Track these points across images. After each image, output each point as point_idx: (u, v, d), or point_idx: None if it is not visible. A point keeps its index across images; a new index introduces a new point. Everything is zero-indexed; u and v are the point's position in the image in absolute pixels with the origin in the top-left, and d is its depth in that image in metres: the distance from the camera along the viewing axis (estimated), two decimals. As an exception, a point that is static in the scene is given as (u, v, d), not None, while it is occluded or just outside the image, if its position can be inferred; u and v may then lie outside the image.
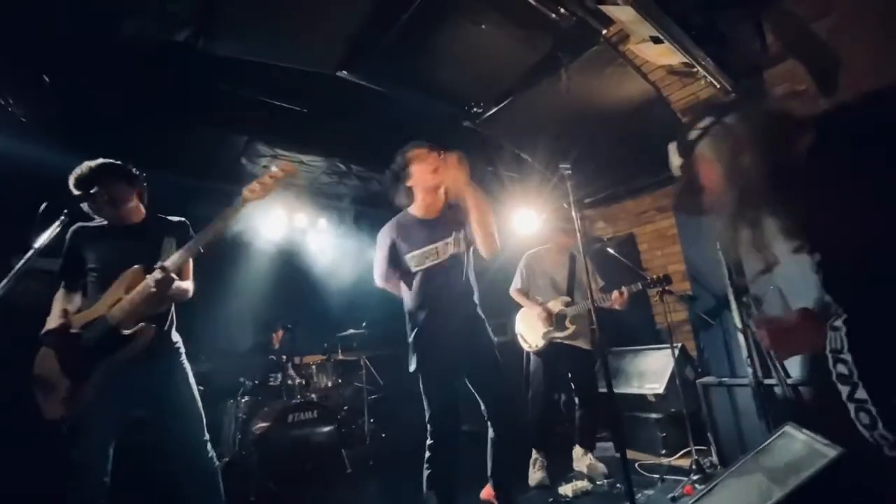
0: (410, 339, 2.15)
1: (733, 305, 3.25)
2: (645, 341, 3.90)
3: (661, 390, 3.45)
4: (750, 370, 3.09)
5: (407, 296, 2.18)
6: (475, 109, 3.24)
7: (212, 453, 2.02)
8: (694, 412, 3.22)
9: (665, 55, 2.57)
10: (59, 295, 1.97)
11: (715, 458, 3.11)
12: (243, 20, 2.29)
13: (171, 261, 1.85)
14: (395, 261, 2.18)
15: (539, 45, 2.65)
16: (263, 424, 3.47)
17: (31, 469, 2.70)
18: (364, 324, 4.75)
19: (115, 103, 2.82)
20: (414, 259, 2.12)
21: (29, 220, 1.69)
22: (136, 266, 1.88)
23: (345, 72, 2.64)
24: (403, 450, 4.38)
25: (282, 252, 4.82)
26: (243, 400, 3.80)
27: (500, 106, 3.21)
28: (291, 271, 4.91)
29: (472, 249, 2.17)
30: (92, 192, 1.90)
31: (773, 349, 1.05)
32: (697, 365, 3.68)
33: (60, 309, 1.87)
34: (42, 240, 1.62)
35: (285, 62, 2.55)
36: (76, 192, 1.90)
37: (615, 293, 3.01)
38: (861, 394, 0.75)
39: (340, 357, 4.65)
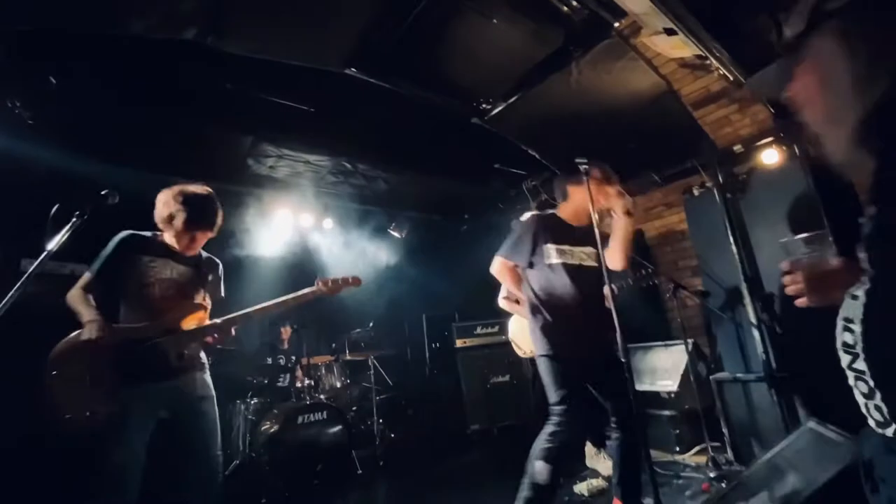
0: (545, 324, 2.22)
1: (747, 300, 3.22)
2: (657, 338, 3.87)
3: (674, 387, 3.42)
4: (764, 365, 3.07)
5: (540, 287, 2.26)
6: (484, 105, 3.20)
7: (220, 467, 2.08)
8: (708, 408, 3.19)
9: (678, 47, 2.53)
10: (82, 292, 1.95)
11: (730, 454, 3.09)
12: (251, 18, 2.26)
13: (233, 318, 2.08)
14: (532, 248, 2.27)
15: (550, 39, 2.61)
16: (273, 426, 3.44)
17: (42, 469, 2.70)
18: (371, 324, 4.73)
19: (122, 104, 2.79)
20: (557, 252, 2.24)
21: (39, 223, 1.66)
22: (198, 303, 2.07)
23: (353, 69, 2.60)
24: (413, 449, 4.39)
25: (288, 252, 4.80)
26: (252, 401, 3.78)
27: (508, 102, 3.17)
28: (298, 272, 4.88)
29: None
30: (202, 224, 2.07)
31: (806, 292, 0.97)
32: (710, 361, 3.64)
33: (94, 310, 1.89)
34: (54, 243, 1.59)
35: (293, 60, 2.51)
36: (191, 215, 2.02)
37: (605, 289, 2.97)
38: (860, 364, 0.74)
39: (348, 357, 4.63)
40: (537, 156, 3.89)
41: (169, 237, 2.09)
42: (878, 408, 0.73)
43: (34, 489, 2.72)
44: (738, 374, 3.22)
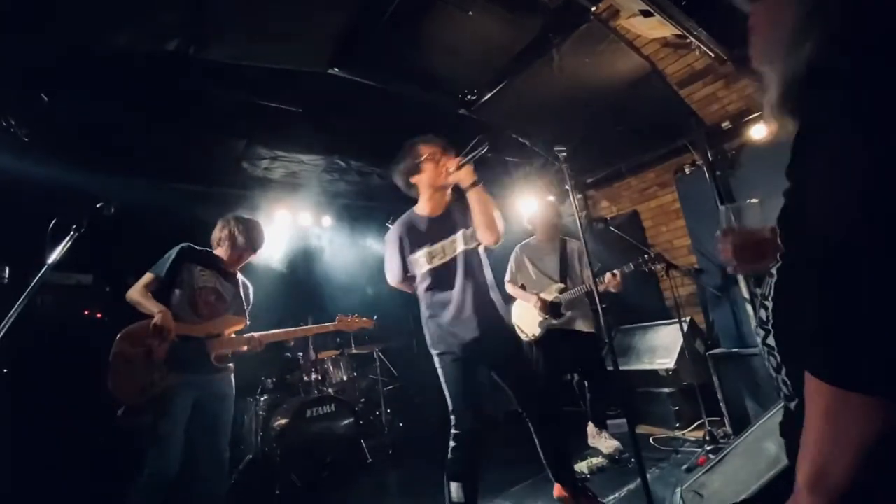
0: (429, 336, 2.15)
1: (740, 276, 3.24)
2: (654, 317, 3.91)
3: (671, 365, 3.47)
4: (759, 339, 3.10)
5: (422, 297, 2.17)
6: (469, 97, 3.23)
7: (227, 464, 2.33)
8: (705, 384, 3.24)
9: (657, 28, 2.53)
10: (144, 289, 2.24)
11: (728, 429, 3.14)
12: (231, 25, 2.30)
13: (267, 335, 2.55)
14: (405, 261, 2.18)
15: (528, 27, 2.63)
16: (283, 421, 3.55)
17: (48, 466, 2.82)
18: (375, 317, 4.81)
19: (113, 116, 2.86)
20: (423, 258, 2.12)
21: (40, 237, 1.74)
22: (239, 315, 2.47)
23: (336, 69, 2.64)
24: (421, 437, 4.49)
25: (289, 251, 4.88)
26: (262, 398, 3.89)
27: (493, 91, 3.19)
28: (300, 269, 4.97)
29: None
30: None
31: (732, 260, 0.96)
32: (707, 338, 3.68)
33: (162, 307, 2.16)
34: (55, 255, 1.67)
35: (276, 64, 2.56)
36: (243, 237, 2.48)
37: (608, 276, 3.01)
38: (771, 340, 0.75)
39: (354, 351, 4.72)
40: (527, 143, 3.91)
41: (220, 253, 2.48)
42: (784, 382, 0.74)
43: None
44: (734, 349, 3.26)
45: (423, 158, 2.10)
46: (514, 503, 2.66)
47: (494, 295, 2.16)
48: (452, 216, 2.14)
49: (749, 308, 3.16)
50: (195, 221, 4.02)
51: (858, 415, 0.53)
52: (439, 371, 2.14)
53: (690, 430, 3.33)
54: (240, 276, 2.59)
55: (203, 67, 2.54)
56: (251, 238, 2.51)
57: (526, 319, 3.37)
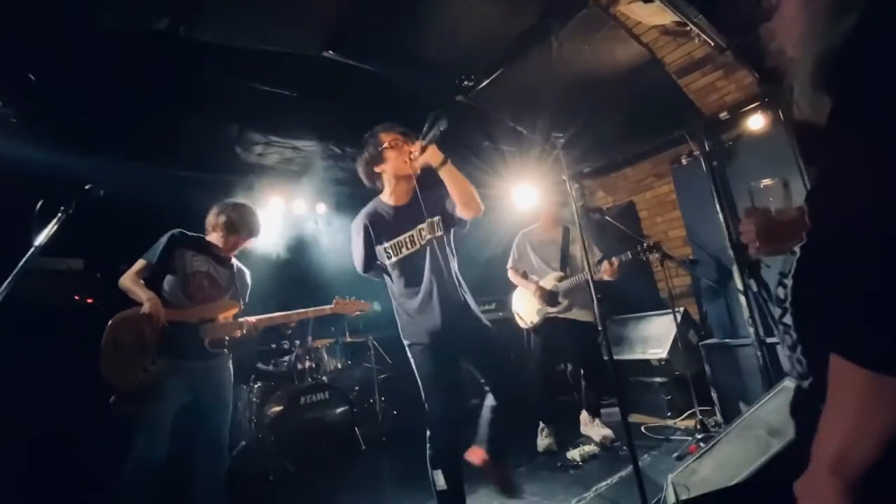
0: (400, 326, 2.15)
1: (734, 267, 3.26)
2: (648, 307, 3.93)
3: (664, 355, 3.49)
4: (752, 330, 3.13)
5: (391, 287, 2.16)
6: (467, 83, 3.19)
7: (227, 449, 2.37)
8: (697, 374, 3.27)
9: (656, 14, 2.50)
10: (135, 276, 2.23)
11: (719, 418, 3.18)
12: (223, 5, 2.25)
13: (263, 319, 2.51)
14: (372, 250, 2.14)
15: (526, 12, 2.59)
16: (277, 408, 3.55)
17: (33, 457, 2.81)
18: (375, 303, 4.81)
19: (102, 98, 2.80)
20: (390, 249, 2.09)
21: (26, 220, 1.70)
22: (233, 300, 2.43)
23: (331, 52, 2.59)
24: (415, 424, 4.48)
25: (284, 239, 4.83)
26: (256, 385, 3.88)
27: (491, 78, 3.15)
28: (294, 257, 4.93)
29: (451, 231, 2.14)
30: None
31: (755, 241, 0.94)
32: (700, 328, 3.71)
33: (151, 294, 2.15)
34: (41, 238, 1.64)
35: (270, 46, 2.51)
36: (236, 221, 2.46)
37: (605, 264, 3.02)
38: (788, 319, 0.75)
39: (348, 339, 4.72)
40: (525, 132, 3.87)
41: (214, 238, 2.46)
42: (799, 360, 0.75)
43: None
44: (727, 340, 3.28)
45: (384, 146, 2.05)
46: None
47: (462, 284, 2.14)
48: (418, 205, 2.08)
49: (742, 299, 3.17)
50: (188, 207, 3.95)
51: (892, 400, 0.52)
52: (411, 361, 2.13)
53: (682, 419, 3.37)
54: (235, 262, 2.57)
55: (194, 48, 2.49)
56: (247, 224, 2.49)
57: (525, 307, 3.37)
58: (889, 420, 0.53)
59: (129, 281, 2.21)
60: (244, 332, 2.42)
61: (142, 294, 2.14)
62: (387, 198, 2.17)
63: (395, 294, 2.15)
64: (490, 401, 2.14)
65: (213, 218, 2.49)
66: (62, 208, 1.73)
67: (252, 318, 2.46)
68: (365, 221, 2.14)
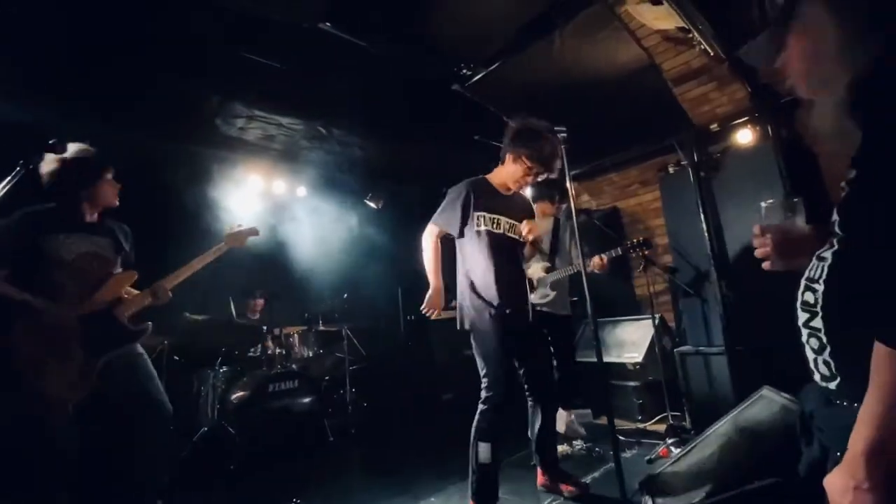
0: (474, 297, 2.21)
1: (713, 277, 3.32)
2: (626, 312, 3.97)
3: (639, 359, 3.53)
4: (724, 339, 3.20)
5: (472, 256, 2.25)
6: (464, 72, 3.11)
7: (169, 412, 2.16)
8: (670, 380, 3.32)
9: (662, 18, 2.50)
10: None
11: (688, 423, 3.24)
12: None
13: (166, 280, 2.15)
14: (464, 216, 2.26)
15: (533, 4, 2.53)
16: (242, 394, 3.41)
17: None
18: (346, 295, 4.69)
19: (71, 50, 2.58)
20: (490, 219, 2.25)
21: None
22: (129, 270, 2.15)
23: (328, 24, 2.46)
24: (385, 417, 4.43)
25: (260, 220, 4.63)
26: (222, 370, 3.71)
27: (489, 69, 3.09)
28: (270, 240, 4.75)
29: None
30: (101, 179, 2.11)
31: (773, 256, 0.99)
32: (675, 335, 3.77)
33: (28, 297, 1.86)
34: (-3, 191, 1.47)
35: (261, 11, 2.36)
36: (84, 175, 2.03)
37: (595, 258, 3.02)
38: (817, 322, 0.78)
39: (322, 328, 4.58)
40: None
41: (68, 202, 2.03)
42: (826, 363, 0.77)
43: None
44: (700, 347, 3.35)
45: (526, 157, 2.20)
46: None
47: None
48: (520, 204, 2.36)
49: (717, 308, 3.24)
50: (158, 178, 3.75)
51: None
52: (477, 334, 2.20)
53: (653, 423, 3.42)
54: (108, 222, 2.20)
55: (174, 5, 2.32)
56: (93, 167, 2.06)
57: None
58: None
59: (8, 288, 1.85)
60: (158, 297, 2.12)
61: (23, 295, 1.83)
62: (495, 181, 2.36)
63: (477, 263, 2.23)
64: (531, 406, 2.41)
65: (54, 171, 1.97)
66: (21, 162, 1.56)
67: (161, 282, 2.15)
68: (469, 188, 2.28)
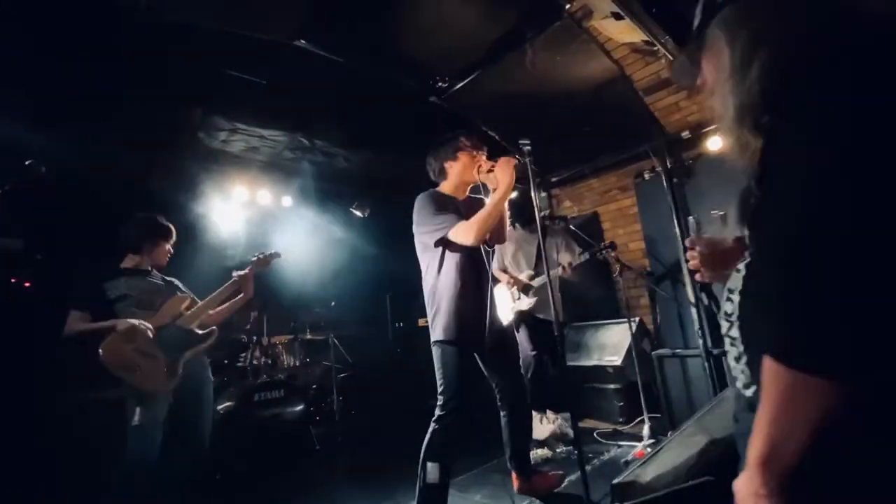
0: (446, 308, 2.12)
1: (687, 280, 3.40)
2: (606, 316, 4.04)
3: (619, 362, 3.59)
4: (701, 342, 3.27)
5: (447, 263, 2.16)
6: (440, 84, 3.19)
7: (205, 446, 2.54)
8: (649, 382, 3.38)
9: (626, 32, 2.58)
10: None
11: (668, 425, 3.29)
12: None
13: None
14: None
15: (503, 19, 2.61)
16: (228, 404, 3.43)
17: None
18: (333, 304, 4.73)
19: (52, 68, 2.63)
20: None
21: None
22: (185, 294, 2.53)
23: (303, 41, 2.53)
24: (372, 426, 4.46)
25: (245, 230, 4.68)
26: (207, 380, 3.74)
27: (465, 81, 3.17)
28: (256, 250, 4.78)
29: None
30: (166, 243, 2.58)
31: (700, 268, 1.04)
32: (654, 338, 3.84)
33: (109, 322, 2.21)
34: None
35: (237, 29, 2.42)
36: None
37: (560, 269, 3.15)
38: (734, 332, 0.80)
39: (308, 337, 4.62)
40: (497, 137, 3.91)
41: (135, 260, 2.47)
42: (743, 371, 0.80)
43: None
44: (678, 350, 3.41)
45: (461, 148, 2.24)
46: (457, 490, 2.69)
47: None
48: (478, 207, 2.19)
49: (693, 311, 3.31)
50: (142, 190, 3.79)
51: (814, 395, 0.55)
52: (440, 351, 2.12)
53: (632, 426, 3.48)
54: (161, 275, 2.57)
55: (158, 24, 2.37)
56: (159, 235, 2.52)
57: (501, 307, 3.42)
58: (816, 416, 0.56)
59: (80, 325, 2.19)
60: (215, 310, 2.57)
61: (107, 323, 2.17)
62: (448, 190, 2.32)
63: (445, 277, 2.15)
64: (504, 415, 2.33)
65: (127, 239, 2.46)
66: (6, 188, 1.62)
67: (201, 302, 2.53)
68: (435, 199, 2.22)
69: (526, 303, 3.30)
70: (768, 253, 0.66)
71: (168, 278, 2.59)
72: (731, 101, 0.76)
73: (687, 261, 1.11)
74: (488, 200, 2.13)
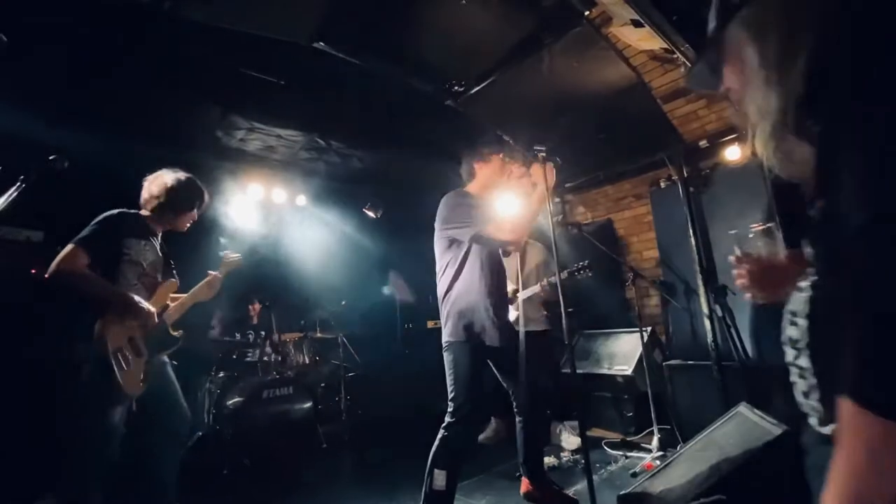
0: (462, 308, 2.11)
1: (701, 291, 3.35)
2: (618, 325, 3.99)
3: (629, 372, 3.55)
4: (714, 353, 3.22)
5: (468, 262, 2.17)
6: (457, 88, 3.19)
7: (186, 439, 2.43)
8: (659, 393, 3.33)
9: (646, 40, 2.56)
10: (86, 268, 1.98)
11: (678, 437, 3.24)
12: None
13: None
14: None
15: (521, 24, 2.61)
16: (237, 399, 3.47)
17: None
18: (343, 303, 4.76)
19: (79, 68, 2.70)
20: None
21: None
22: (172, 279, 2.30)
23: (322, 43, 2.56)
24: (379, 425, 4.47)
25: (260, 228, 4.74)
26: (218, 376, 3.78)
27: (482, 85, 3.16)
28: (270, 248, 4.84)
29: None
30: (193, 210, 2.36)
31: (751, 287, 0.95)
32: (665, 348, 3.79)
33: (122, 292, 2.02)
34: (-3, 206, 1.56)
35: (256, 30, 2.46)
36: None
37: (539, 285, 3.15)
38: (804, 361, 0.71)
39: (318, 335, 4.65)
40: (510, 140, 3.90)
41: (151, 216, 2.26)
42: (814, 409, 0.71)
43: None
44: (689, 361, 3.36)
45: (495, 153, 2.31)
46: (462, 495, 2.68)
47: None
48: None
49: (707, 323, 3.26)
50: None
51: None
52: (451, 354, 2.13)
53: (641, 436, 3.43)
54: (161, 243, 2.39)
55: (179, 26, 2.42)
56: (193, 199, 2.32)
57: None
58: None
59: (82, 269, 1.95)
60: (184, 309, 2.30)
61: (123, 294, 1.99)
62: (475, 191, 2.35)
63: (465, 275, 2.15)
64: (519, 421, 2.32)
65: (152, 191, 2.24)
66: (21, 178, 1.65)
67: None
68: (467, 196, 2.26)
69: (512, 315, 3.27)
70: (846, 277, 0.56)
71: (165, 249, 2.39)
72: (768, 105, 0.69)
73: (735, 279, 1.01)
74: (528, 201, 2.20)
